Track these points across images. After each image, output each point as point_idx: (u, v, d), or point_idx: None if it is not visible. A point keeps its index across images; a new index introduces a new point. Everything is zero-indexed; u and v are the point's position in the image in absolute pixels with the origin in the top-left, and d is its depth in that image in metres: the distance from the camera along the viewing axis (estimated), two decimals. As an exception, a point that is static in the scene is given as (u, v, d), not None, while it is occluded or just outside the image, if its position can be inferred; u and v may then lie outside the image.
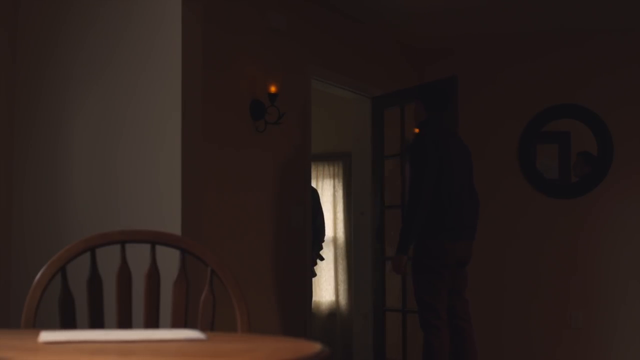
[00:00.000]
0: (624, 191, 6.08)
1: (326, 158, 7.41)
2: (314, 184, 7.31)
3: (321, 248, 5.96)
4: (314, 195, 6.05)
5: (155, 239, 2.05)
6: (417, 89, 4.96)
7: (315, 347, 1.41)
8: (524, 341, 6.24)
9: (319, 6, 5.46)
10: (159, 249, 2.06)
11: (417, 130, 6.06)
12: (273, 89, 4.75)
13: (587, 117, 6.15)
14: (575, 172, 6.25)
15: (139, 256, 2.22)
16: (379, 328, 5.90)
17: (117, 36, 3.67)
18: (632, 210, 6.06)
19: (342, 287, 7.46)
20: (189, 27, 3.56)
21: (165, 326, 2.05)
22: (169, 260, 2.32)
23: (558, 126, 6.24)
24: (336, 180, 7.50)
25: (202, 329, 1.98)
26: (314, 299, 6.99)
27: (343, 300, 7.47)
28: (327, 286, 7.43)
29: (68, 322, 1.95)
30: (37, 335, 1.53)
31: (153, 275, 2.04)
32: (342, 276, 7.44)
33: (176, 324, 2.01)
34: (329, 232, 7.45)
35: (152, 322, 2.03)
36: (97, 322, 1.99)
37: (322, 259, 6.03)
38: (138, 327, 2.01)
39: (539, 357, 6.22)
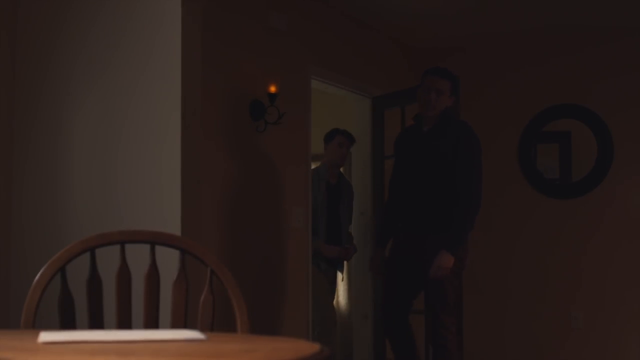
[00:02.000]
0: (625, 191, 6.08)
1: (326, 158, 7.39)
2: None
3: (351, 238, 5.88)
4: (351, 190, 5.93)
5: (154, 240, 2.05)
6: (441, 71, 4.50)
7: (315, 347, 1.41)
8: (524, 341, 6.23)
9: (319, 6, 5.46)
10: (159, 249, 2.06)
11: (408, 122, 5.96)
12: (273, 88, 4.74)
13: (587, 117, 6.14)
14: None
15: (138, 256, 2.22)
16: (379, 328, 5.90)
17: (117, 36, 3.66)
18: (633, 210, 6.06)
19: (342, 288, 7.45)
20: (188, 27, 3.56)
21: (164, 326, 2.05)
22: (169, 261, 2.32)
23: (558, 126, 6.24)
24: (336, 180, 7.48)
25: (202, 329, 1.98)
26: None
27: (343, 300, 7.46)
28: (327, 286, 7.42)
29: (68, 323, 1.95)
30: (36, 335, 1.52)
31: (153, 276, 2.04)
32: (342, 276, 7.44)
33: (176, 324, 2.00)
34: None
35: (151, 323, 2.02)
36: (96, 323, 1.99)
37: (355, 250, 5.86)
38: (138, 327, 2.01)
39: (540, 357, 6.22)
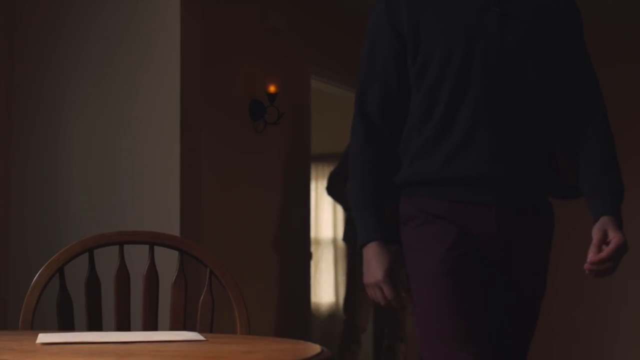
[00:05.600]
0: (626, 191, 6.06)
1: (326, 158, 7.39)
2: (313, 184, 7.30)
3: None
4: None
5: (153, 240, 2.04)
6: None
7: (315, 348, 1.40)
8: (524, 342, 6.23)
9: (319, 5, 5.45)
10: (158, 249, 2.05)
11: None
12: (272, 88, 4.73)
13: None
14: None
15: (137, 257, 2.21)
16: (379, 329, 5.89)
17: (116, 37, 3.66)
18: (633, 209, 6.04)
19: (342, 288, 7.45)
20: (188, 27, 3.56)
21: (164, 328, 2.04)
22: (168, 261, 2.31)
23: (558, 126, 6.23)
24: (336, 181, 7.47)
25: (201, 330, 1.97)
26: (313, 300, 6.98)
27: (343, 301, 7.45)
28: (326, 287, 7.41)
29: (66, 324, 1.94)
30: (35, 336, 1.52)
31: (151, 276, 2.03)
32: (342, 277, 7.43)
33: (175, 325, 1.99)
34: (329, 233, 7.43)
35: (150, 324, 2.02)
36: (95, 324, 1.98)
37: None
38: (136, 328, 2.00)
39: (540, 357, 6.21)
